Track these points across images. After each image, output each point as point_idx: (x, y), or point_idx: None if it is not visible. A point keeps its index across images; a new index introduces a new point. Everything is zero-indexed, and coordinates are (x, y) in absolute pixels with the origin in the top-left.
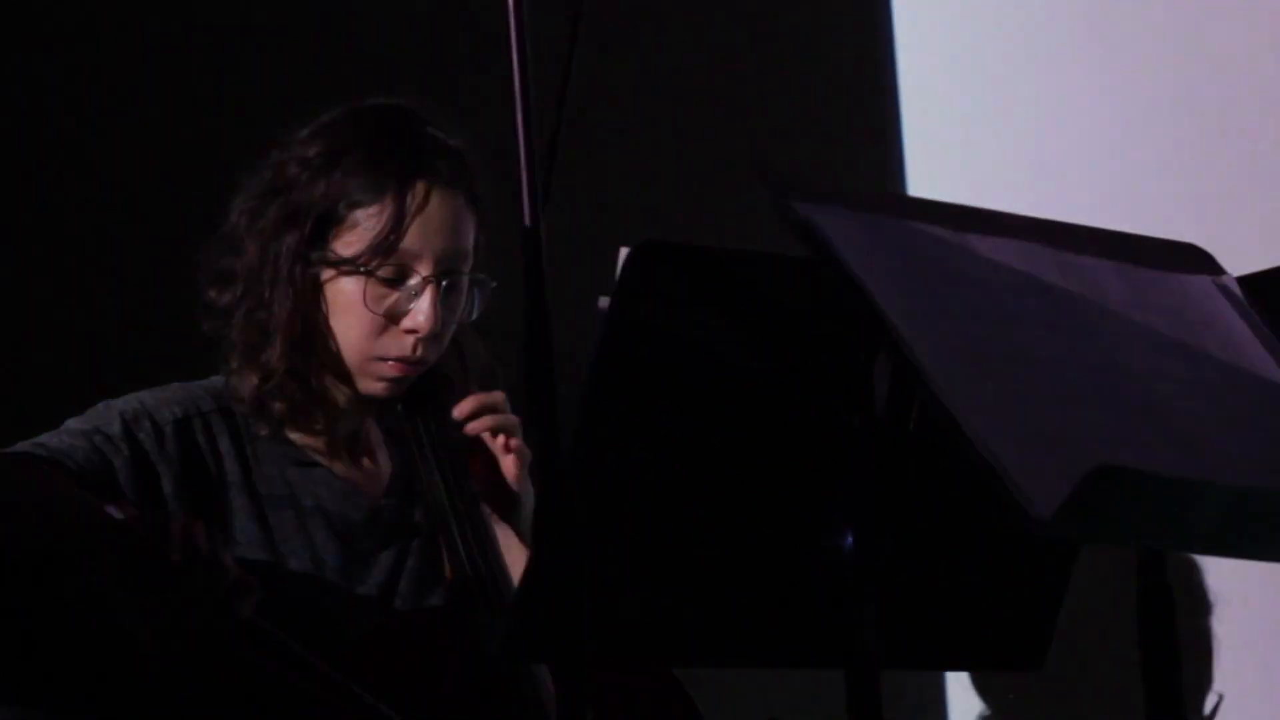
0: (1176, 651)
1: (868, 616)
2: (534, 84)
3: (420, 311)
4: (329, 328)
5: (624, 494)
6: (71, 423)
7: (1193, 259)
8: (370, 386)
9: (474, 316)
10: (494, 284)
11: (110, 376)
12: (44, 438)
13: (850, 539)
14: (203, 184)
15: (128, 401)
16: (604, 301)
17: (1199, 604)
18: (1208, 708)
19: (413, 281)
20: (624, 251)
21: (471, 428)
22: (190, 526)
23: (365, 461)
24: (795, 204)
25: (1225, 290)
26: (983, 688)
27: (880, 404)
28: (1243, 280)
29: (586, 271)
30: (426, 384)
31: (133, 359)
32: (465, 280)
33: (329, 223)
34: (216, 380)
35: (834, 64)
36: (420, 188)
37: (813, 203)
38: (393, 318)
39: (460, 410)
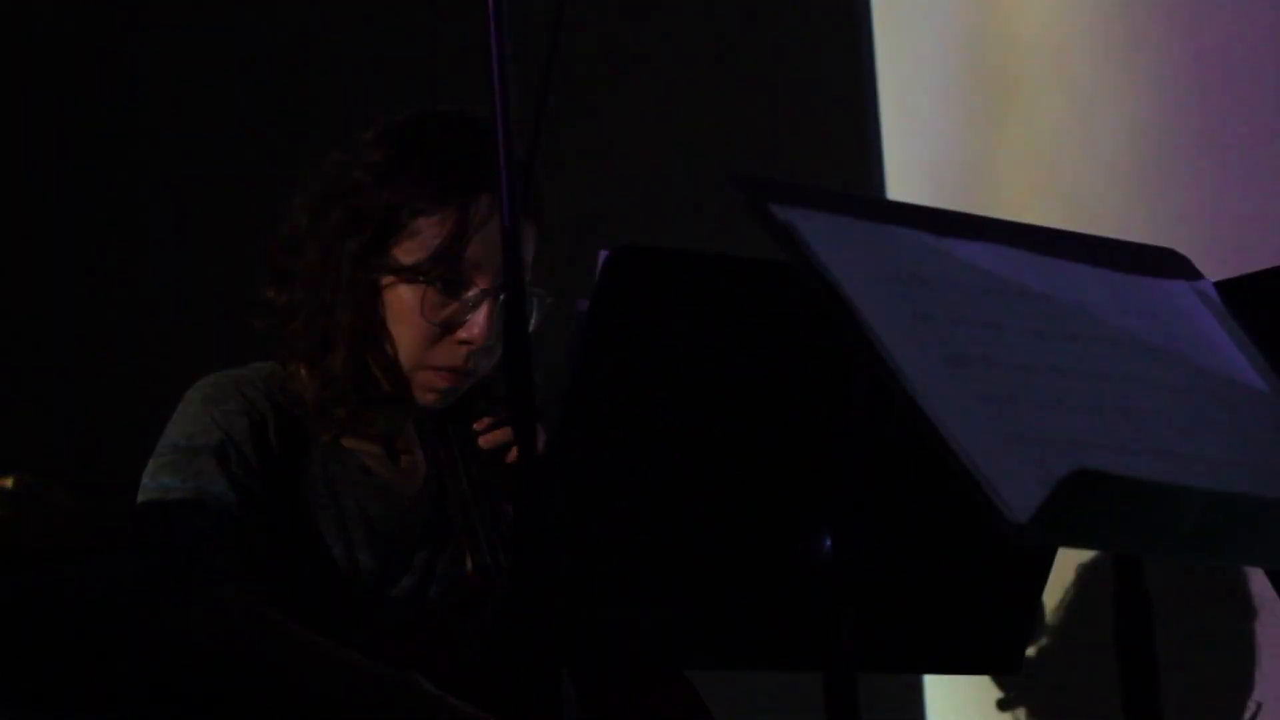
0: (1154, 655)
1: (845, 619)
2: (513, 88)
3: (476, 323)
4: (386, 334)
5: (603, 496)
6: (198, 496)
7: (1171, 264)
8: (421, 396)
9: (529, 330)
10: (550, 299)
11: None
12: (201, 538)
13: (829, 541)
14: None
15: (207, 431)
16: (582, 304)
17: (1176, 608)
18: (1246, 715)
19: (471, 293)
20: (602, 254)
21: (484, 440)
22: None
23: (403, 460)
24: (773, 207)
25: (1203, 295)
26: (960, 690)
27: (859, 407)
28: (1220, 285)
29: (565, 274)
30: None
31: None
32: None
33: (391, 229)
34: (258, 370)
35: (814, 69)
36: (485, 200)
37: (790, 206)
38: (448, 328)
39: (479, 424)
